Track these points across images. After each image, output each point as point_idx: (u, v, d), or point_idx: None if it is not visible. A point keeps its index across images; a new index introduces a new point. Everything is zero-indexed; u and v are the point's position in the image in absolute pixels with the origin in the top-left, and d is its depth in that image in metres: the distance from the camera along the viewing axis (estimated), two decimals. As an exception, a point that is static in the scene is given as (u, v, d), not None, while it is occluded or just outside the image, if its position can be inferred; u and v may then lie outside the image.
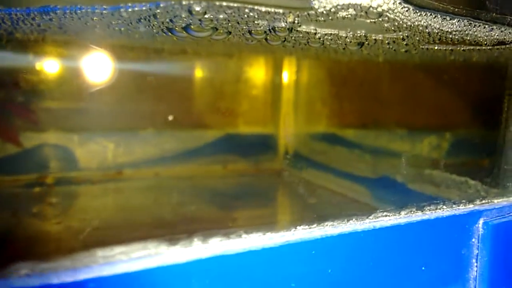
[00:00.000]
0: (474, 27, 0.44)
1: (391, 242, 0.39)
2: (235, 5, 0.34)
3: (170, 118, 0.78)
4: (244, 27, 0.41)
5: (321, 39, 0.45)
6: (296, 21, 0.39)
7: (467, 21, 0.44)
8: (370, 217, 0.39)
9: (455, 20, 0.43)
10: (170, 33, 0.45)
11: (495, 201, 0.47)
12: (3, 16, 0.42)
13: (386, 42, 0.47)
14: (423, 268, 0.41)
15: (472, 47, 0.48)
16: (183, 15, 0.36)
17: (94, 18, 0.42)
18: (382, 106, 0.77)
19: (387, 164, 0.71)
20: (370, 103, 0.80)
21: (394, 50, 0.52)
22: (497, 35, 0.46)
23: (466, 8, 0.44)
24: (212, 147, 0.85)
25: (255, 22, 0.39)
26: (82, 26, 0.50)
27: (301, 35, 0.44)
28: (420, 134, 0.72)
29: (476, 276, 0.44)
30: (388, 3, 0.38)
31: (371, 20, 0.40)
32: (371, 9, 0.38)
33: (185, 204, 0.66)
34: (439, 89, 0.63)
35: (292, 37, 0.45)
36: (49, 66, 0.75)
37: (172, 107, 0.84)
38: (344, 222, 0.37)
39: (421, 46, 0.49)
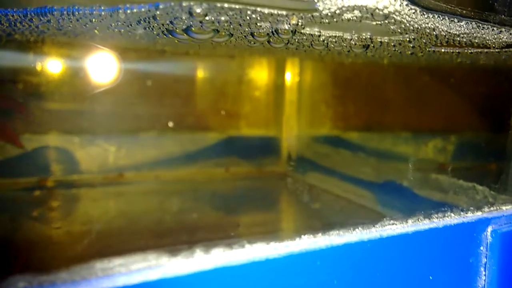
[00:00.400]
0: (482, 29, 0.43)
1: (398, 251, 0.38)
2: (237, 6, 0.33)
3: (170, 124, 0.77)
4: (246, 29, 0.40)
5: (325, 42, 0.44)
6: (299, 23, 0.38)
7: (475, 24, 0.42)
8: (377, 226, 0.38)
9: (463, 23, 0.41)
10: (170, 35, 0.44)
11: (504, 208, 0.46)
12: (0, 17, 0.41)
13: (392, 44, 0.46)
14: (430, 277, 0.40)
15: (480, 50, 0.47)
16: (184, 17, 0.35)
17: (93, 20, 0.41)
18: (387, 108, 0.76)
19: (392, 168, 0.70)
20: (374, 106, 0.79)
21: (400, 52, 0.51)
22: (506, 38, 0.45)
23: (474, 10, 0.42)
24: (214, 150, 0.84)
25: (258, 24, 0.38)
26: (81, 28, 0.49)
27: (304, 37, 0.43)
28: (426, 137, 0.71)
29: (484, 285, 0.43)
30: (394, 5, 0.37)
31: (377, 22, 0.39)
32: (377, 11, 0.37)
33: (187, 209, 0.65)
34: (445, 92, 0.62)
35: (295, 39, 0.44)
36: (49, 67, 0.75)
37: (173, 109, 0.83)
38: (349, 231, 0.36)
39: (427, 49, 0.48)
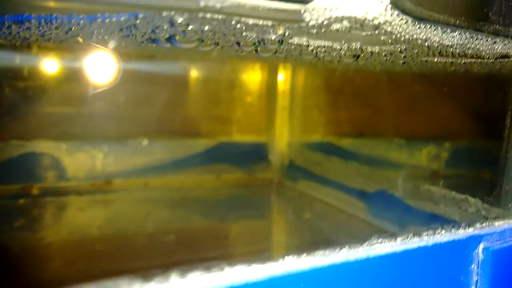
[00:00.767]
0: (476, 40, 0.42)
1: (386, 271, 0.36)
2: (220, 17, 0.32)
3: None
4: (232, 39, 0.38)
5: (314, 51, 0.43)
6: (287, 33, 0.36)
7: (469, 34, 0.41)
8: (364, 245, 0.36)
9: (456, 33, 0.40)
10: (155, 44, 0.43)
11: (496, 224, 0.45)
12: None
13: (383, 54, 0.45)
14: (420, 297, 0.38)
15: (473, 60, 0.46)
16: (165, 27, 0.34)
17: (73, 28, 0.39)
18: (381, 115, 0.75)
19: (385, 176, 0.68)
20: (368, 112, 0.78)
21: (392, 61, 0.50)
22: (500, 48, 0.44)
23: (468, 20, 0.41)
24: (205, 157, 0.83)
25: (243, 34, 0.36)
26: (64, 35, 0.47)
27: (293, 47, 0.41)
28: (419, 144, 0.70)
29: (476, 303, 0.42)
30: (385, 15, 0.36)
31: (367, 33, 0.38)
32: (366, 21, 0.35)
33: (174, 220, 0.63)
34: (438, 99, 0.61)
35: (283, 48, 0.42)
36: (36, 72, 0.73)
37: (163, 114, 0.81)
38: (335, 251, 0.35)
39: (419, 59, 0.46)
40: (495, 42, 0.44)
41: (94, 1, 0.32)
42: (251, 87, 0.89)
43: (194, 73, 0.84)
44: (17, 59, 0.71)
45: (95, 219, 0.65)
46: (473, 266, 0.42)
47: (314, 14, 0.34)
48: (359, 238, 0.46)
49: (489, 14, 0.44)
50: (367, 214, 0.62)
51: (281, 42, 0.39)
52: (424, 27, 0.38)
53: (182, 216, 0.67)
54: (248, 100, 0.88)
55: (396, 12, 0.37)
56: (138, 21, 0.33)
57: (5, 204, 0.68)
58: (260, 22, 0.33)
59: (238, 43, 0.40)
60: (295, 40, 0.39)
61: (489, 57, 0.44)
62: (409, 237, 0.39)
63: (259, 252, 0.50)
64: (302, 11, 0.33)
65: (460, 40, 0.41)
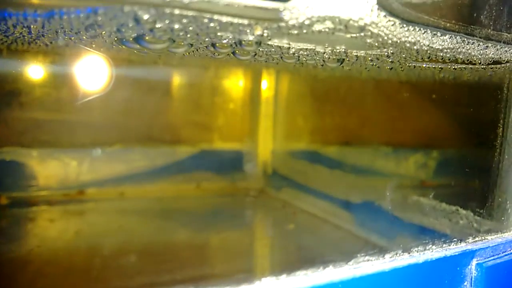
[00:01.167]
0: (467, 44, 0.39)
1: (373, 293, 0.33)
2: (190, 13, 0.29)
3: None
4: (206, 40, 0.35)
5: (296, 55, 0.40)
6: (265, 34, 0.34)
7: (460, 38, 0.39)
8: (350, 263, 0.33)
9: (447, 37, 0.38)
10: (123, 45, 0.40)
11: (489, 238, 0.42)
12: None
13: (369, 59, 0.42)
14: (409, 319, 0.36)
15: (464, 66, 0.44)
16: (130, 24, 0.30)
17: (31, 26, 0.36)
18: (366, 123, 0.72)
19: (371, 186, 0.66)
20: (354, 119, 0.75)
21: (378, 67, 0.47)
22: (492, 54, 0.42)
23: (458, 23, 0.39)
24: (185, 165, 0.79)
25: (218, 34, 0.33)
26: (28, 35, 0.44)
27: (273, 49, 0.38)
28: (407, 153, 0.68)
29: (468, 324, 0.39)
30: (371, 16, 0.33)
31: (352, 35, 0.35)
32: (351, 22, 0.33)
33: (148, 234, 0.59)
34: (426, 109, 0.58)
35: (263, 51, 0.39)
36: (4, 76, 0.69)
37: (141, 120, 0.78)
38: (319, 270, 0.32)
39: (407, 64, 0.44)
40: (486, 47, 0.41)
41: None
42: (234, 95, 0.86)
43: (175, 78, 0.81)
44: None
45: (65, 232, 0.61)
46: (465, 283, 0.39)
47: (294, 12, 0.31)
48: (345, 253, 0.43)
49: (480, 17, 0.41)
50: (353, 226, 0.59)
51: (259, 43, 0.36)
52: (413, 29, 0.36)
53: (159, 229, 0.63)
54: (231, 107, 0.86)
55: (383, 13, 0.34)
56: (99, 17, 0.30)
57: (-32, 216, 0.63)
58: (235, 20, 0.30)
59: (213, 45, 0.37)
60: (275, 41, 0.36)
61: (480, 62, 0.42)
62: (398, 254, 0.37)
63: (238, 269, 0.46)
64: (282, 9, 0.30)
65: (451, 44, 0.38)
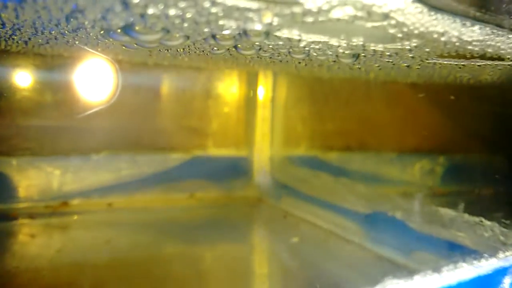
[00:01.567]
0: (497, 36, 0.35)
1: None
2: (189, -5, 0.24)
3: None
4: (206, 30, 0.31)
5: (307, 48, 0.35)
6: (274, 23, 0.29)
7: (490, 29, 0.35)
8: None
9: (477, 27, 0.33)
10: (109, 38, 0.35)
11: (522, 252, 0.38)
12: None
13: (387, 54, 0.38)
14: None
15: (490, 63, 0.40)
16: (117, 9, 0.26)
17: (2, 14, 0.31)
18: (370, 128, 0.68)
19: (381, 194, 0.61)
20: (357, 123, 0.71)
21: (394, 64, 0.43)
22: (522, 48, 0.38)
23: (488, 12, 0.35)
24: (176, 173, 0.75)
25: (220, 22, 0.29)
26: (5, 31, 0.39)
27: (281, 42, 0.34)
28: (419, 158, 0.63)
29: None
30: (396, 1, 0.29)
31: (373, 24, 0.30)
32: (374, 8, 0.28)
33: (138, 249, 0.54)
34: (440, 110, 0.54)
35: (269, 45, 0.35)
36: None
37: (130, 126, 0.73)
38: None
39: (428, 60, 0.40)
40: (517, 40, 0.37)
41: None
42: (229, 98, 0.81)
43: (166, 80, 0.76)
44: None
45: (47, 248, 0.56)
46: (499, 306, 0.35)
47: (311, -5, 0.26)
48: (360, 272, 0.38)
49: (510, 7, 0.37)
50: (364, 239, 0.54)
51: (267, 34, 0.31)
52: (442, 18, 0.31)
53: (149, 243, 0.58)
54: (226, 111, 0.81)
55: (409, -1, 0.30)
56: (80, 1, 0.25)
57: None
58: (242, 4, 0.25)
59: (213, 36, 0.32)
60: (285, 32, 0.32)
61: (509, 57, 0.37)
62: (427, 274, 0.32)
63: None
64: (297, -10, 0.26)
65: (481, 36, 0.34)
